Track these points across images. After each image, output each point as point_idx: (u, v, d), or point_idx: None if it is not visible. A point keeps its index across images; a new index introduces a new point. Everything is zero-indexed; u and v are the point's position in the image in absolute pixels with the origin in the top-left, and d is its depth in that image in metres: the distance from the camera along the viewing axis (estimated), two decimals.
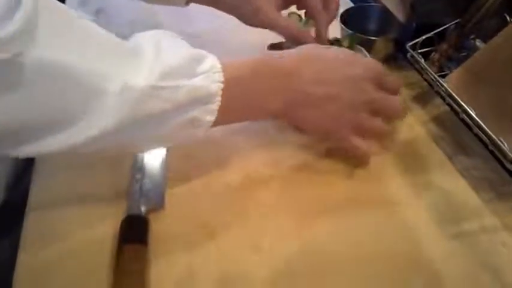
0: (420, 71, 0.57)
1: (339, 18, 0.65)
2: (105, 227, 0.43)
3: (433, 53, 0.56)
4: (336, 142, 0.50)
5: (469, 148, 0.52)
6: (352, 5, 0.73)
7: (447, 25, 0.56)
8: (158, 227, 0.44)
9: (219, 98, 0.41)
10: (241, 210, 0.46)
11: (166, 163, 0.49)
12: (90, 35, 0.37)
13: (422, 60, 0.56)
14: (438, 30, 0.56)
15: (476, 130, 0.49)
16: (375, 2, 0.67)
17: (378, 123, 0.49)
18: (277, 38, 0.63)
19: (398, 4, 0.61)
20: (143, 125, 0.38)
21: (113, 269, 0.40)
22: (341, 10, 0.69)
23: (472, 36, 0.55)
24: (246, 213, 0.46)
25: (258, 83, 0.45)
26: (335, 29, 0.67)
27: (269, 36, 0.65)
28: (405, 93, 0.60)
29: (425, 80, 0.58)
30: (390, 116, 0.50)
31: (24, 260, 0.41)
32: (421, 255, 0.43)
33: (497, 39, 0.49)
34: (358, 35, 0.63)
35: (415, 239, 0.44)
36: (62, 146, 0.36)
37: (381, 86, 0.49)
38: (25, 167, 0.53)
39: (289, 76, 0.46)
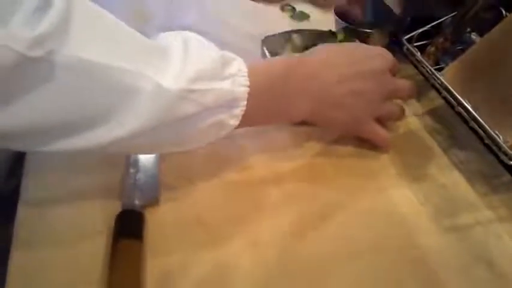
0: (416, 64, 0.57)
1: (333, 12, 0.65)
2: (99, 221, 0.43)
3: (428, 46, 0.56)
4: (361, 134, 0.51)
5: (464, 141, 0.52)
6: None
7: (443, 18, 0.55)
8: (153, 221, 0.43)
9: (245, 102, 0.41)
10: (238, 205, 0.46)
11: (161, 157, 0.49)
12: (122, 34, 0.37)
13: (418, 54, 0.55)
14: (434, 23, 0.56)
15: (471, 123, 0.49)
16: None
17: (394, 108, 0.51)
18: (270, 31, 0.63)
19: None
20: (171, 127, 0.38)
21: (108, 264, 0.39)
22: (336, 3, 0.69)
23: (468, 30, 0.55)
24: (243, 209, 0.45)
25: (283, 87, 0.45)
26: (330, 22, 0.67)
27: (261, 27, 0.65)
28: None
29: (421, 73, 0.58)
30: (405, 98, 0.54)
31: (17, 257, 0.41)
32: (415, 248, 0.43)
33: (493, 33, 0.49)
34: (351, 28, 0.62)
35: (410, 232, 0.44)
36: (90, 144, 0.36)
37: (393, 72, 0.51)
38: (17, 160, 0.52)
39: (314, 78, 0.47)
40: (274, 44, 0.60)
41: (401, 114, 0.52)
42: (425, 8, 0.58)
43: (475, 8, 0.53)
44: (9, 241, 0.42)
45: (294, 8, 0.74)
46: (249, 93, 0.41)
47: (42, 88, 0.33)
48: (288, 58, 0.50)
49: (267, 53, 0.58)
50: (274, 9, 0.75)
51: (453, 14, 0.55)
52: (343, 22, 0.63)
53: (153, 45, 0.39)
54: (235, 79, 0.41)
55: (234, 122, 0.42)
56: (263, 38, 0.60)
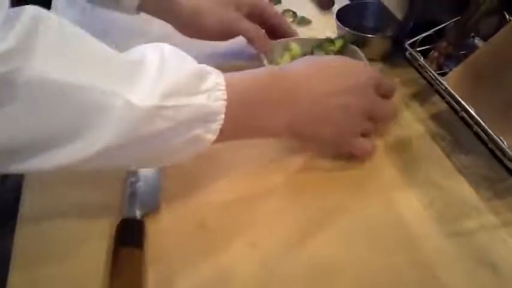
0: (419, 69, 0.57)
1: (335, 16, 0.65)
2: (100, 230, 0.43)
3: (432, 51, 0.55)
4: (345, 148, 0.50)
5: (467, 146, 0.52)
6: (348, 2, 0.73)
7: (446, 23, 0.55)
8: (154, 230, 0.43)
9: (222, 116, 0.40)
10: (239, 212, 0.46)
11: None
12: (93, 51, 0.37)
13: (422, 59, 0.55)
14: (437, 28, 0.56)
15: (475, 128, 0.49)
16: None
17: (374, 126, 0.50)
18: None
19: (396, 1, 0.61)
20: (144, 143, 0.38)
21: (109, 273, 0.39)
22: (338, 7, 0.68)
23: (471, 35, 0.54)
24: (244, 215, 0.45)
25: (263, 101, 0.44)
26: (331, 27, 0.66)
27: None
28: (403, 91, 0.60)
29: (424, 78, 0.58)
30: (384, 120, 0.52)
31: (19, 257, 0.41)
32: (419, 252, 0.42)
33: (496, 38, 0.49)
34: (352, 33, 0.62)
35: (413, 236, 0.43)
36: (62, 163, 0.36)
37: (378, 90, 0.49)
38: None
39: (297, 92, 0.46)
40: (272, 52, 0.59)
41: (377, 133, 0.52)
42: (428, 12, 0.58)
43: (478, 13, 0.53)
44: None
45: (295, 13, 0.74)
46: (227, 107, 0.41)
47: (6, 107, 0.32)
48: (269, 70, 0.48)
49: (265, 61, 0.57)
50: None
51: (456, 18, 0.55)
52: (345, 27, 0.63)
53: (128, 61, 0.38)
54: (212, 93, 0.40)
55: (211, 136, 0.41)
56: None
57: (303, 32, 0.71)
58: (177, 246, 0.42)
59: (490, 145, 0.47)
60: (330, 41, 0.61)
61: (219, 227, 0.44)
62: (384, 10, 0.63)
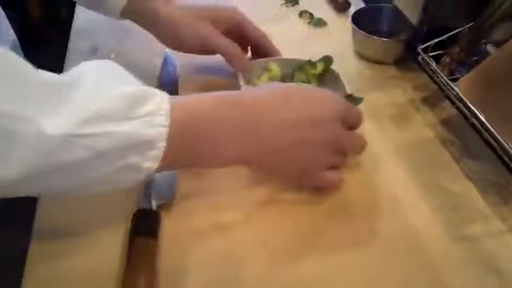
0: (431, 74, 0.58)
1: (350, 19, 0.66)
2: (116, 220, 0.44)
3: (444, 57, 0.56)
4: (308, 182, 0.48)
5: (476, 152, 0.53)
6: (363, 5, 0.73)
7: (460, 29, 0.56)
8: (169, 221, 0.44)
9: (163, 144, 0.37)
10: (253, 206, 0.47)
11: None
12: (14, 76, 0.34)
13: (434, 64, 0.56)
14: (451, 33, 0.56)
15: (485, 134, 0.49)
16: (387, 3, 0.68)
17: (343, 159, 0.48)
18: (287, 37, 0.62)
19: (410, 6, 0.61)
20: (66, 171, 0.35)
21: (124, 262, 0.40)
22: (354, 10, 0.69)
23: (484, 41, 0.55)
24: (258, 210, 0.46)
25: (216, 128, 0.41)
26: (347, 30, 0.67)
27: (278, 33, 0.65)
28: (414, 95, 0.60)
29: (436, 83, 0.58)
30: (353, 153, 0.49)
31: (36, 240, 0.42)
32: (425, 257, 0.43)
33: (509, 44, 0.49)
34: (367, 36, 0.63)
35: (420, 241, 0.44)
36: None
37: (345, 122, 0.46)
38: None
39: (255, 121, 0.42)
40: (250, 72, 0.57)
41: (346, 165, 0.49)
42: (442, 18, 0.58)
43: (492, 19, 0.53)
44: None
45: (312, 15, 0.75)
46: (171, 134, 0.37)
47: None
48: (222, 95, 0.43)
49: (242, 81, 0.55)
50: (292, 16, 0.76)
51: (470, 24, 0.55)
52: (360, 30, 0.64)
53: (53, 84, 0.35)
54: (150, 119, 0.37)
55: (151, 164, 0.37)
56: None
57: (319, 33, 0.72)
58: (192, 237, 0.43)
59: (499, 152, 0.48)
60: (312, 63, 0.58)
61: (233, 220, 0.45)
62: (398, 15, 0.63)
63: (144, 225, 0.43)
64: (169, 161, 0.38)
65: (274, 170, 0.46)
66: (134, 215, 0.43)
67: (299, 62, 0.58)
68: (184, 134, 0.39)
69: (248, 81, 0.56)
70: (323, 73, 0.57)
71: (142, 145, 0.37)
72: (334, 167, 0.47)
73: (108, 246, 0.42)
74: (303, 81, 0.56)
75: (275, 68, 0.58)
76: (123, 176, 0.38)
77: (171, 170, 0.41)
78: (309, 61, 0.58)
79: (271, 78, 0.57)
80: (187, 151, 0.40)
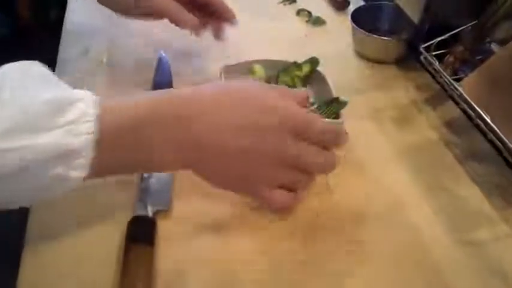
0: (434, 74, 0.56)
1: (349, 17, 0.65)
2: (111, 227, 0.43)
3: (447, 56, 0.55)
4: (255, 199, 0.44)
5: (481, 153, 0.52)
6: (363, 3, 0.72)
7: (463, 27, 0.54)
8: (165, 227, 0.43)
9: (89, 152, 0.35)
10: (250, 212, 0.45)
11: None
12: None
13: (437, 63, 0.55)
14: (453, 32, 0.55)
15: (490, 136, 0.48)
16: (387, 1, 0.66)
17: (300, 177, 0.42)
18: (284, 35, 0.61)
19: (411, 4, 0.60)
20: None
21: (120, 270, 0.39)
22: (353, 8, 0.68)
23: (487, 40, 0.54)
24: (255, 215, 0.45)
25: (148, 132, 0.38)
26: (346, 28, 0.66)
27: (275, 31, 0.63)
28: (416, 95, 0.60)
29: (439, 83, 0.57)
30: (318, 172, 0.44)
31: (30, 246, 0.41)
32: (430, 260, 0.42)
33: None
34: (367, 35, 0.62)
35: (424, 244, 0.43)
36: None
37: (310, 135, 0.41)
38: None
39: (194, 122, 0.39)
40: (233, 73, 0.55)
41: (308, 183, 0.43)
42: (444, 16, 0.57)
43: (495, 17, 0.52)
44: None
45: (310, 13, 0.74)
46: (99, 140, 0.35)
47: None
48: (157, 95, 0.41)
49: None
50: (290, 14, 0.75)
51: (473, 22, 0.54)
52: (360, 29, 0.63)
53: None
54: (73, 128, 0.34)
55: (79, 173, 0.36)
56: (223, 66, 0.55)
57: (317, 32, 0.71)
58: (188, 244, 0.42)
59: (505, 153, 0.47)
60: (297, 65, 0.56)
61: (230, 226, 0.44)
62: (399, 13, 0.62)
63: (140, 232, 0.42)
64: (101, 168, 0.37)
65: (213, 178, 0.41)
66: (130, 221, 0.42)
67: (284, 63, 0.57)
68: (116, 140, 0.37)
69: None
70: (309, 75, 0.56)
71: (66, 155, 0.35)
72: (291, 187, 0.42)
73: (104, 254, 0.41)
74: (288, 84, 0.55)
75: (259, 69, 0.56)
76: (52, 186, 0.36)
77: (108, 175, 0.39)
78: (294, 63, 0.56)
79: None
80: (121, 157, 0.38)
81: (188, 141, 0.39)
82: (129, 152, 0.38)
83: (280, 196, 0.41)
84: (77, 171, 0.36)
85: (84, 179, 0.36)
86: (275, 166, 0.40)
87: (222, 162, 0.40)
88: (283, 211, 0.44)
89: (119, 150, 0.37)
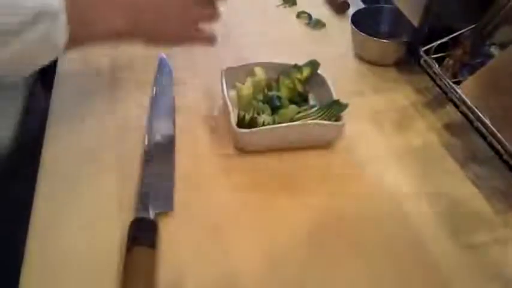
0: (433, 77, 0.57)
1: (349, 20, 0.65)
2: (114, 229, 0.43)
3: (447, 59, 0.55)
4: (188, 40, 0.54)
5: (481, 156, 0.52)
6: (363, 6, 0.72)
7: (462, 30, 0.55)
8: (167, 230, 0.43)
9: (64, 16, 0.43)
10: (252, 214, 0.46)
11: (176, 165, 0.49)
12: None
13: (436, 66, 0.55)
14: (453, 35, 0.55)
15: (490, 139, 0.48)
16: (387, 4, 0.66)
17: (209, 10, 0.54)
18: (284, 37, 0.60)
19: (411, 7, 0.60)
20: None
21: (122, 272, 0.39)
22: (352, 11, 0.68)
23: (487, 43, 0.54)
24: (256, 218, 0.45)
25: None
26: (346, 30, 0.66)
27: (276, 33, 0.63)
28: (416, 98, 0.60)
29: (438, 86, 0.57)
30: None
31: (30, 259, 0.41)
32: (430, 264, 0.42)
33: None
34: (367, 38, 0.62)
35: (424, 248, 0.43)
36: None
37: None
38: (33, 105, 0.56)
39: None
40: (234, 76, 0.55)
41: (215, 15, 0.54)
42: (444, 19, 0.57)
43: (495, 21, 0.52)
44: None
45: (310, 16, 0.74)
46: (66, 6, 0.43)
47: None
48: None
49: (225, 86, 0.53)
50: (290, 17, 0.75)
51: (473, 26, 0.54)
52: (360, 31, 0.63)
53: None
54: None
55: (61, 35, 0.43)
56: (224, 68, 0.55)
57: (317, 35, 0.71)
58: (190, 246, 0.42)
59: (505, 156, 0.47)
60: (298, 68, 0.56)
61: (232, 228, 0.44)
62: (399, 15, 0.62)
63: (142, 235, 0.42)
64: (73, 32, 0.44)
65: (157, 33, 0.51)
66: (131, 224, 0.42)
67: (285, 66, 0.57)
68: (77, 5, 0.44)
69: (233, 86, 0.55)
70: (309, 77, 0.56)
71: (50, 14, 0.42)
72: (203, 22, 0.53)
73: (106, 256, 0.41)
74: (289, 87, 0.55)
75: (260, 72, 0.56)
76: (39, 50, 0.43)
77: (80, 44, 0.47)
78: (295, 65, 0.56)
79: (256, 83, 0.55)
80: (82, 21, 0.45)
81: (127, 2, 0.49)
82: (88, 15, 0.46)
83: (204, 30, 0.53)
84: (59, 32, 0.43)
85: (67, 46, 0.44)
86: (192, 4, 0.52)
87: (161, 14, 0.50)
88: (210, 42, 0.54)
89: (80, 14, 0.45)
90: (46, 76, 0.60)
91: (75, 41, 0.45)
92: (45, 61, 0.45)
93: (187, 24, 0.53)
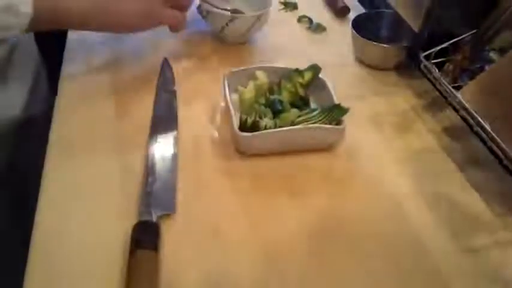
0: (433, 82, 0.57)
1: (350, 24, 0.65)
2: (116, 232, 0.43)
3: (447, 64, 0.55)
4: (157, 21, 0.57)
5: (481, 160, 0.52)
6: (363, 10, 0.73)
7: (463, 36, 0.55)
8: (169, 232, 0.43)
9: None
10: (254, 216, 0.46)
11: (178, 168, 0.49)
12: None
13: (436, 71, 0.55)
14: (453, 40, 0.55)
15: (490, 143, 0.49)
16: (387, 8, 0.67)
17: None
18: (285, 42, 0.60)
19: (411, 12, 0.61)
20: None
21: (125, 274, 0.39)
22: (352, 16, 0.69)
23: (487, 48, 0.54)
24: (258, 220, 0.45)
25: None
26: (347, 35, 0.67)
27: (277, 37, 0.63)
28: (416, 102, 0.60)
29: (439, 90, 0.58)
30: None
31: (34, 266, 0.41)
32: (430, 267, 0.43)
33: None
34: (367, 42, 0.62)
35: (424, 251, 0.44)
36: None
37: None
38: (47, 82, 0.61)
39: None
40: (236, 79, 0.55)
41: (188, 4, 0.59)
42: (444, 24, 0.58)
43: (495, 26, 0.53)
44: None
45: (311, 20, 0.74)
46: None
47: None
48: None
49: (227, 89, 0.53)
50: (291, 21, 0.75)
51: (473, 31, 0.55)
52: (360, 36, 0.64)
53: None
54: None
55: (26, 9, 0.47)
56: (227, 72, 0.56)
57: (318, 39, 0.72)
58: (192, 248, 0.43)
59: (505, 161, 0.47)
60: (299, 72, 0.56)
61: (234, 229, 0.44)
62: (399, 20, 0.63)
63: (145, 237, 0.42)
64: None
65: (123, 14, 0.54)
66: (134, 226, 0.42)
67: (286, 70, 0.57)
68: None
69: (235, 90, 0.55)
70: (310, 82, 0.56)
71: None
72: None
73: (109, 259, 0.41)
74: (290, 91, 0.55)
75: (262, 76, 0.56)
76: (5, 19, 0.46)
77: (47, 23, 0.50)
78: (297, 69, 0.57)
79: (258, 87, 0.55)
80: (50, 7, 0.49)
81: None
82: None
83: (172, 12, 0.57)
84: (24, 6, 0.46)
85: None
86: None
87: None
88: (179, 26, 0.58)
89: None
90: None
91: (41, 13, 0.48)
92: (10, 32, 0.47)
93: (157, 6, 0.55)
